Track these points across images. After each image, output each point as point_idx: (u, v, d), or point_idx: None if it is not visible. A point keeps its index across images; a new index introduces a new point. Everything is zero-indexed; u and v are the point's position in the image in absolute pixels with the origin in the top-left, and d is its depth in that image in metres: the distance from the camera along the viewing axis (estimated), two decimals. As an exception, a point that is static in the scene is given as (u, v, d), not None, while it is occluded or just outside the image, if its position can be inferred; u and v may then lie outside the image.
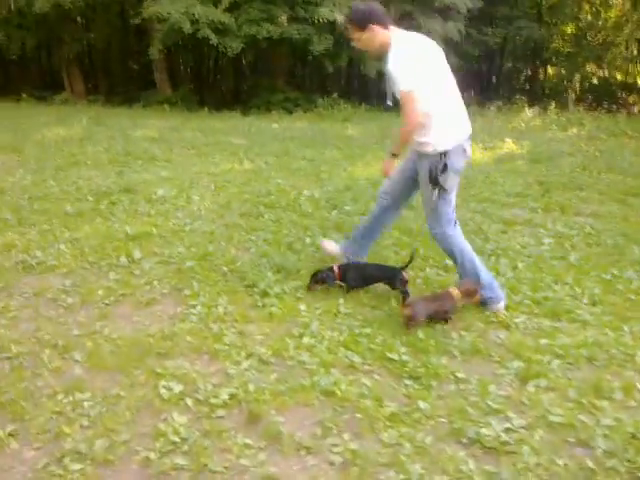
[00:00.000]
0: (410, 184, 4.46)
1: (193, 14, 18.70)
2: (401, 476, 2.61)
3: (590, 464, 2.68)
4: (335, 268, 4.45)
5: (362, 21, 3.96)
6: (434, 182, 4.04)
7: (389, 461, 2.70)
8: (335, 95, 21.65)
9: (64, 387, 3.23)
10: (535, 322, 4.09)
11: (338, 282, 4.46)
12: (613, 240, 5.89)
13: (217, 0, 19.40)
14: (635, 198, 7.73)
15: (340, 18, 18.79)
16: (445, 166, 3.98)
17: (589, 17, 29.72)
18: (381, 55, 4.05)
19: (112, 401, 3.13)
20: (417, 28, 21.72)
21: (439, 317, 3.98)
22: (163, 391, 3.20)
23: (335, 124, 16.94)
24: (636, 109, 27.47)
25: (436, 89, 4.00)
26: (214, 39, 19.28)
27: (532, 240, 5.87)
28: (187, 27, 18.66)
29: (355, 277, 4.46)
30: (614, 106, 24.72)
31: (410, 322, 3.87)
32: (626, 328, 4.02)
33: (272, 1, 19.71)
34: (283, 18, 19.53)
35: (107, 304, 4.31)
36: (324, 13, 19.40)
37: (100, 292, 4.48)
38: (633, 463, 2.68)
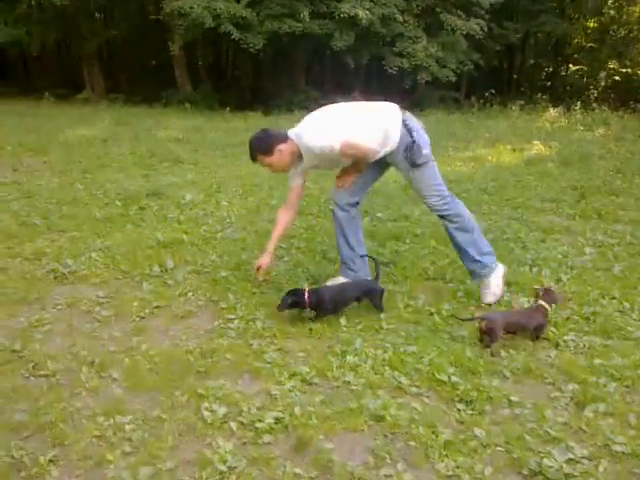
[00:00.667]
0: (368, 187, 4.68)
1: (215, 9, 18.64)
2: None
3: (662, 500, 2.54)
4: (305, 293, 4.05)
5: (267, 148, 4.22)
6: (415, 163, 4.22)
7: (446, 493, 2.57)
8: (356, 93, 21.49)
9: (104, 408, 3.13)
10: (585, 340, 3.93)
11: (308, 310, 4.10)
12: (657, 250, 5.70)
13: (239, -5, 19.35)
14: None
15: (362, 13, 18.67)
16: (413, 143, 4.18)
17: (611, 12, 29.21)
18: (299, 161, 4.32)
19: (153, 424, 3.03)
20: (439, 24, 21.54)
21: (526, 333, 3.86)
22: (206, 414, 3.09)
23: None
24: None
25: (354, 123, 4.22)
26: (236, 34, 19.22)
27: (573, 250, 5.69)
28: (209, 22, 18.61)
29: (329, 301, 4.09)
30: (638, 105, 24.33)
31: (487, 337, 3.73)
32: (676, 346, 3.85)
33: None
34: (305, 13, 19.38)
35: (142, 317, 4.22)
36: (346, 8, 19.26)
37: (135, 304, 4.38)
38: None
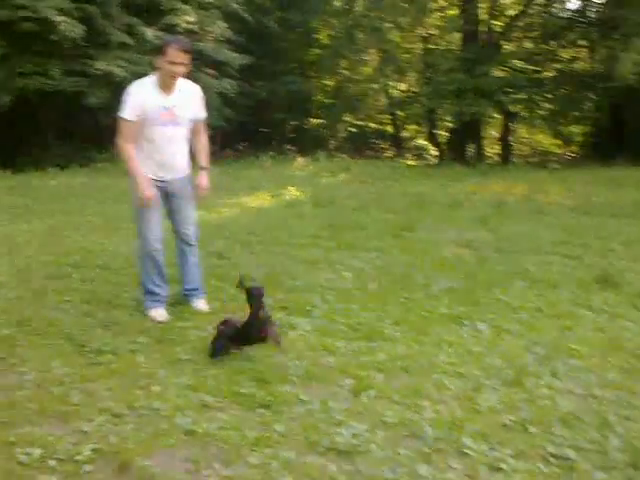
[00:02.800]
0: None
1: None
2: (275, 489, 2.94)
3: (425, 449, 3.25)
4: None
5: (190, 46, 4.80)
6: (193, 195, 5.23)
7: (261, 479, 3.01)
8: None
9: None
10: (355, 345, 4.67)
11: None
12: (400, 269, 6.79)
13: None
14: (408, 232, 8.89)
15: (117, 70, 18.71)
16: None
17: (345, 72, 32.74)
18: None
19: (-33, 477, 3.03)
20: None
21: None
22: (22, 457, 3.16)
23: (117, 179, 16.71)
24: (389, 154, 30.81)
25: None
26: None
27: (334, 275, 6.55)
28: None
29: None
30: (370, 152, 27.51)
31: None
32: (426, 340, 4.77)
33: (45, 54, 18.96)
34: (57, 70, 18.85)
35: None
36: (100, 66, 19.14)
37: None
38: (457, 442, 3.30)
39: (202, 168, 5.22)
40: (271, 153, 22.12)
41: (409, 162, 26.73)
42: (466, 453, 3.27)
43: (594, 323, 5.27)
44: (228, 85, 22.74)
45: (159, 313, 5.18)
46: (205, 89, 5.26)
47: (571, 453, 3.30)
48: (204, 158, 5.25)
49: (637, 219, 9.81)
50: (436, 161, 28.40)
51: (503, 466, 3.18)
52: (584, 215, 10.28)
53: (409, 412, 3.67)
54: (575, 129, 30.55)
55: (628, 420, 3.67)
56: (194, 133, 5.19)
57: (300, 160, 20.98)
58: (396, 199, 12.12)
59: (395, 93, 31.63)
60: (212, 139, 5.28)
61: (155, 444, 3.32)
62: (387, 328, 5.03)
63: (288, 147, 24.67)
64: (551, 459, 3.25)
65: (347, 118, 32.77)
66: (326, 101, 32.89)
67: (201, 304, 5.40)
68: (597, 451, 3.34)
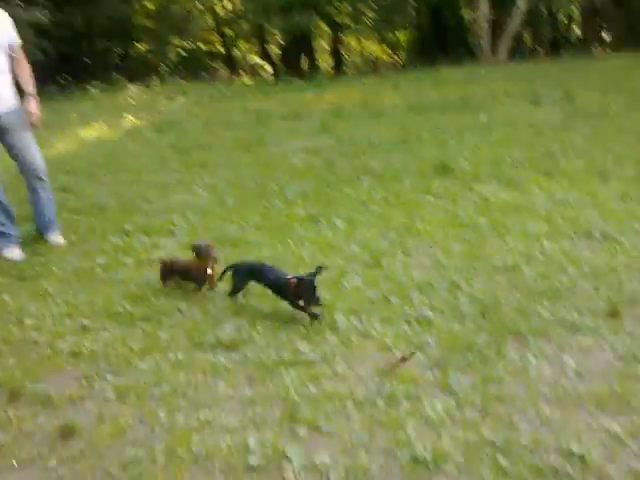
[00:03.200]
0: None
1: None
2: (169, 385, 3.12)
3: (303, 330, 3.57)
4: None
5: None
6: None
7: (155, 380, 3.17)
8: None
9: None
10: (222, 254, 4.82)
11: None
12: (253, 182, 6.97)
13: None
14: (256, 147, 9.02)
15: None
16: None
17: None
18: None
19: None
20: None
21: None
22: None
23: None
24: (224, 74, 30.20)
25: None
26: None
27: (190, 195, 6.59)
28: None
29: None
30: (205, 74, 26.82)
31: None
32: (289, 241, 5.06)
33: None
34: None
35: None
36: None
37: None
38: (330, 320, 3.65)
39: (29, 94, 5.00)
40: (99, 83, 20.89)
41: (245, 81, 26.45)
42: (339, 327, 3.62)
43: (435, 206, 5.80)
44: (38, 14, 20.88)
45: (15, 253, 5.02)
46: (14, 21, 5.01)
47: (429, 313, 3.76)
48: (29, 85, 5.03)
49: (463, 113, 10.59)
50: (272, 77, 28.31)
51: (373, 332, 3.57)
52: (417, 114, 10.91)
53: (283, 303, 3.94)
54: (402, 36, 31.60)
55: (472, 280, 4.20)
56: (15, 62, 4.98)
57: (132, 88, 20.05)
58: (238, 117, 12.12)
59: (221, 12, 30.75)
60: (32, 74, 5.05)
61: (43, 369, 3.35)
62: (251, 235, 5.24)
63: (116, 76, 23.36)
64: (413, 321, 3.69)
65: (175, 41, 31.48)
66: (150, 25, 31.26)
67: (58, 238, 5.29)
68: (450, 308, 3.82)
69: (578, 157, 7.13)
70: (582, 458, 2.52)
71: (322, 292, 3.95)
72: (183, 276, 4.27)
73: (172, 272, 4.28)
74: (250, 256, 4.70)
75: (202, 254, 4.14)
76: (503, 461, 2.52)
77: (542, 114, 9.82)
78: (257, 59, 33.03)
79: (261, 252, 4.83)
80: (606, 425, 2.72)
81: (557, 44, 27.26)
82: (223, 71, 32.00)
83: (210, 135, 10.32)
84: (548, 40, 28.48)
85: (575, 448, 2.57)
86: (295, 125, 10.81)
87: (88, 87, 20.49)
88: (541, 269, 4.27)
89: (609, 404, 2.86)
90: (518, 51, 22.81)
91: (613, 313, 3.62)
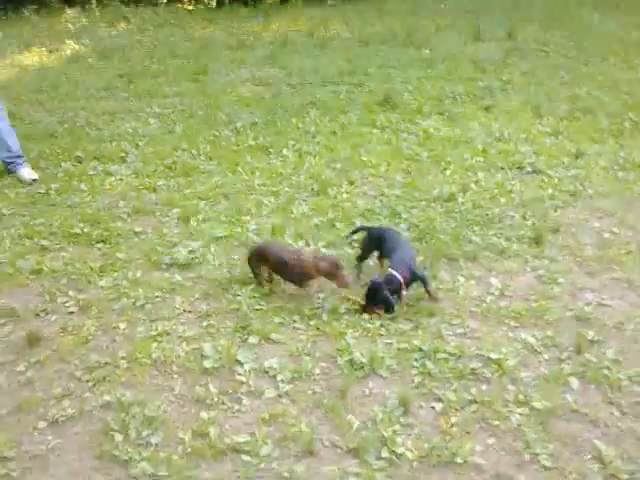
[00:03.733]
0: None
1: None
2: (129, 300, 3.36)
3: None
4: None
5: None
6: None
7: (116, 296, 3.41)
8: None
9: None
10: (174, 182, 5.01)
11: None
12: (202, 111, 7.03)
13: None
14: (203, 76, 8.97)
15: None
16: None
17: None
18: None
19: None
20: None
21: None
22: None
23: None
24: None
25: None
26: None
27: (139, 124, 6.63)
28: None
29: None
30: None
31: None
32: (239, 169, 5.23)
33: None
34: None
35: None
36: None
37: None
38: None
39: None
40: (34, 7, 19.90)
41: (188, 7, 25.59)
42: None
43: (380, 138, 6.04)
44: None
45: None
46: None
47: (370, 237, 4.06)
48: None
49: (407, 46, 10.71)
50: (215, 4, 27.45)
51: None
52: (363, 46, 10.97)
53: (236, 227, 4.19)
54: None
55: (412, 209, 4.50)
56: None
57: (69, 12, 19.20)
58: (183, 45, 11.89)
59: None
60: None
61: (4, 286, 3.53)
62: (202, 164, 5.39)
63: (51, -2, 22.25)
64: (355, 244, 3.98)
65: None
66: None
67: (28, 173, 5.15)
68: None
69: (516, 93, 7.44)
70: (499, 364, 2.90)
71: (271, 216, 4.23)
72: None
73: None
74: (202, 185, 4.88)
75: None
76: (430, 365, 2.89)
77: (484, 50, 10.05)
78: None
79: (212, 180, 5.00)
80: (522, 337, 3.10)
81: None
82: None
83: (156, 63, 10.14)
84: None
85: (493, 355, 2.95)
86: (242, 54, 10.71)
87: (23, 10, 19.53)
88: (475, 199, 4.61)
89: (526, 319, 3.25)
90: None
91: (537, 240, 4.00)
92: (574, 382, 2.77)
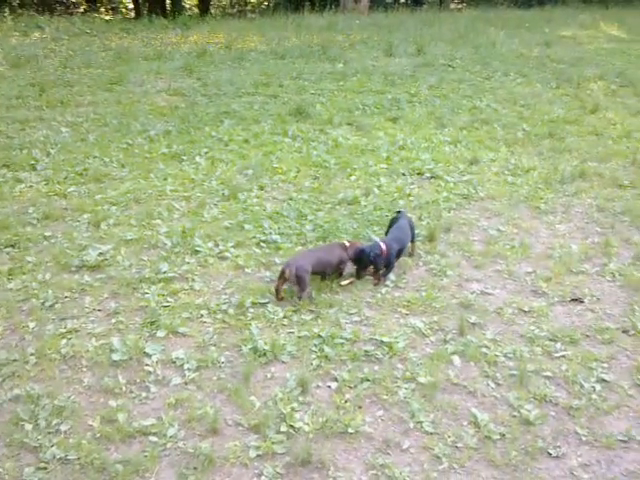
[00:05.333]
0: None
1: None
2: (38, 301, 3.44)
3: (164, 254, 3.98)
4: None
5: None
6: None
7: (24, 297, 3.50)
8: None
9: None
10: (85, 188, 5.08)
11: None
12: (117, 120, 7.08)
13: None
14: (119, 86, 9.00)
15: None
16: None
17: None
18: None
19: None
20: None
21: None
22: None
23: None
24: (82, 9, 28.63)
25: None
26: None
27: (51, 132, 6.62)
28: None
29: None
30: (62, 8, 25.32)
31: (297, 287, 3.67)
32: (152, 176, 5.35)
33: None
34: None
35: None
36: None
37: None
38: (190, 245, 4.07)
39: None
40: None
41: (105, 17, 25.29)
42: (198, 251, 4.06)
43: (291, 147, 6.28)
44: None
45: None
46: None
47: (277, 238, 4.27)
48: None
49: (322, 60, 11.06)
50: (133, 15, 27.21)
51: (227, 255, 4.04)
52: (279, 58, 11.24)
53: (146, 230, 4.31)
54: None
55: (318, 211, 4.75)
56: None
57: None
58: (99, 55, 11.82)
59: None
60: None
61: None
62: (114, 171, 5.47)
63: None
64: (262, 244, 4.19)
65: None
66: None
67: None
68: (296, 234, 4.36)
69: (422, 105, 7.89)
70: (390, 346, 3.16)
71: (182, 220, 4.39)
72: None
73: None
74: (113, 191, 4.98)
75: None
76: (328, 349, 3.12)
77: (395, 65, 10.52)
78: (118, -6, 31.45)
79: (124, 186, 5.10)
80: (412, 322, 3.39)
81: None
82: (82, 6, 30.26)
83: (70, 72, 10.06)
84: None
85: (385, 339, 3.22)
86: (158, 65, 10.77)
87: None
88: (376, 202, 4.91)
89: (417, 307, 3.54)
90: (381, 1, 23.52)
91: (430, 238, 4.32)
92: (456, 360, 3.07)
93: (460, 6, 26.27)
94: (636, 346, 3.22)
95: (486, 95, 8.48)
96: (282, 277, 3.51)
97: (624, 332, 3.34)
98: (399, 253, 3.90)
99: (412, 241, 4.10)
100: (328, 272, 3.75)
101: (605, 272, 3.94)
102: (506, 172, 5.60)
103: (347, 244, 3.78)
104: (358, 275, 3.81)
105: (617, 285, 3.81)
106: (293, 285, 3.57)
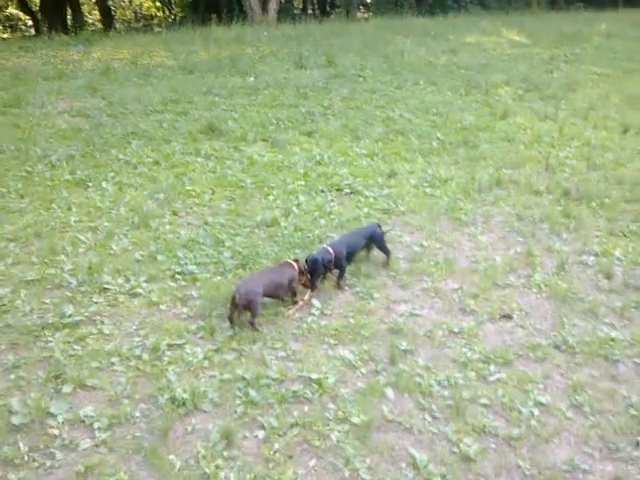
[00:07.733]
0: None
1: None
2: None
3: (69, 294, 3.64)
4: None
5: None
6: None
7: None
8: None
9: None
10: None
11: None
12: (14, 145, 6.59)
13: None
14: (16, 109, 8.44)
15: None
16: None
17: None
18: None
19: None
20: None
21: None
22: None
23: None
24: None
25: None
26: None
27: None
28: None
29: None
30: None
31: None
32: (54, 206, 4.97)
33: None
34: None
35: None
36: None
37: None
38: (97, 282, 3.75)
39: None
40: None
41: (2, 35, 24.13)
42: (107, 288, 3.75)
43: (204, 167, 6.02)
44: None
45: None
46: None
47: (194, 268, 4.02)
48: None
49: (232, 74, 10.81)
50: (33, 32, 26.07)
51: (140, 291, 3.75)
52: (188, 73, 10.91)
53: (49, 269, 3.96)
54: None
55: (236, 236, 4.52)
56: None
57: None
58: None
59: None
60: None
61: None
62: (12, 202, 5.05)
63: None
64: (178, 276, 3.93)
65: None
66: None
67: None
68: (214, 263, 4.11)
69: (336, 118, 7.78)
70: (319, 383, 2.97)
71: (89, 254, 4.07)
72: None
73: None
74: (11, 225, 4.58)
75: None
76: (253, 393, 2.90)
77: (306, 77, 10.40)
78: (15, 11, 30.10)
79: (23, 220, 4.70)
80: (341, 353, 3.21)
81: (325, 5, 28.58)
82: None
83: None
84: (317, 1, 29.73)
85: (314, 375, 3.03)
86: (59, 85, 10.22)
87: None
88: (297, 222, 4.72)
89: (345, 335, 3.38)
90: (288, 12, 23.48)
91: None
92: (389, 392, 2.92)
93: (367, 15, 26.60)
94: (568, 362, 3.17)
95: (398, 105, 8.47)
96: (233, 303, 3.34)
97: (556, 348, 3.28)
98: (349, 257, 3.92)
99: (368, 248, 4.18)
100: (281, 294, 3.61)
101: (531, 284, 3.91)
102: (425, 184, 5.54)
103: (294, 262, 3.70)
104: (313, 287, 3.75)
105: (544, 297, 3.78)
106: (243, 311, 3.39)
